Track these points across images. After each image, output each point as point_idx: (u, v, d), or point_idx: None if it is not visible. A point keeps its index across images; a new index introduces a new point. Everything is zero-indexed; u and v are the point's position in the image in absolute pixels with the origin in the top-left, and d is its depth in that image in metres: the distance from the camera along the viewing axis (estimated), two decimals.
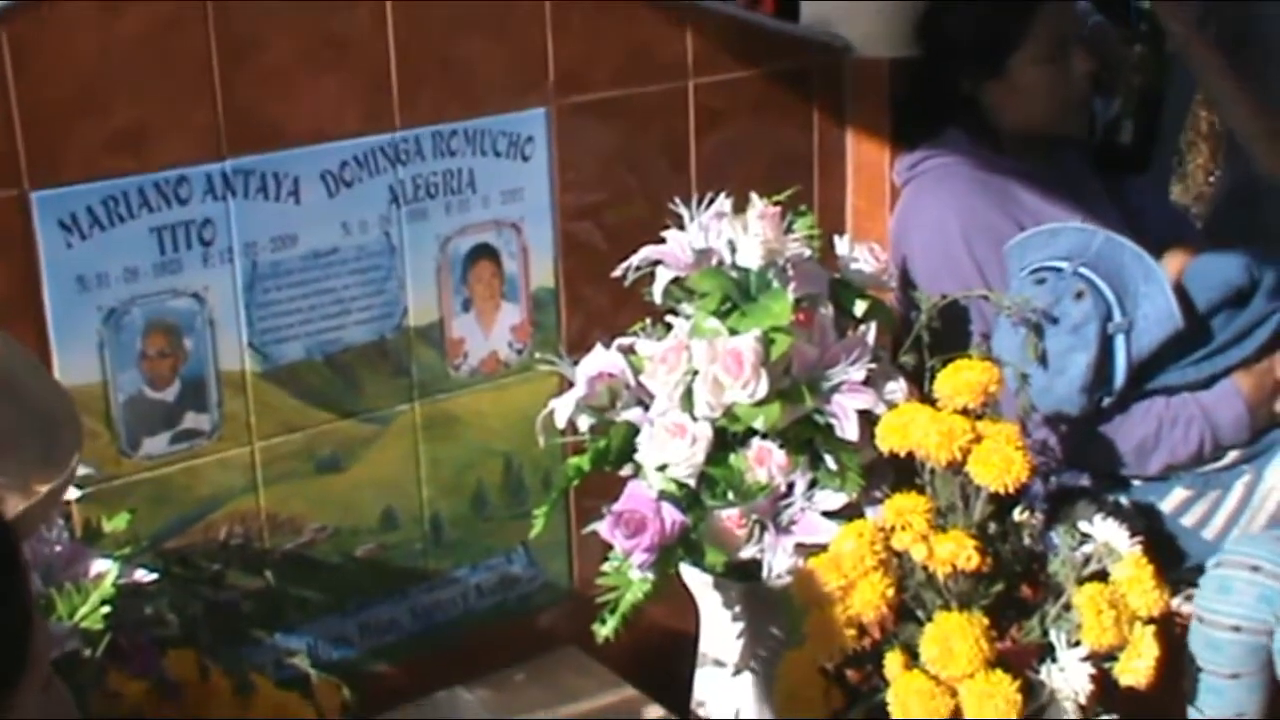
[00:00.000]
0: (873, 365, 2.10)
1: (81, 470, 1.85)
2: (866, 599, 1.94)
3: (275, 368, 2.11)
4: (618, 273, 2.15)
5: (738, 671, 2.21)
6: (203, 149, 2.00)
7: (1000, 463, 1.97)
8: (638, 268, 2.14)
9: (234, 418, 2.09)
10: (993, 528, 2.03)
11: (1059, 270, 2.31)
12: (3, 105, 1.87)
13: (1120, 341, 2.30)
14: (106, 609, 1.68)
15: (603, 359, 2.13)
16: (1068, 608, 1.98)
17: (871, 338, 2.13)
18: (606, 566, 2.10)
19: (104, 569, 1.74)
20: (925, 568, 1.96)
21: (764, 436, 2.05)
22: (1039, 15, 2.46)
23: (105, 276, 1.97)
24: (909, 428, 2.01)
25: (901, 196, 2.55)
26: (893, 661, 1.94)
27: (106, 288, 1.97)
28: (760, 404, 2.01)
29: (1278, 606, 2.15)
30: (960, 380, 2.05)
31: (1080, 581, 2.00)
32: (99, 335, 1.98)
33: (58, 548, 1.78)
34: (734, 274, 2.09)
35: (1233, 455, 2.40)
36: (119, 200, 1.96)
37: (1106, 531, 2.03)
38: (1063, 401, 2.30)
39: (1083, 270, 2.30)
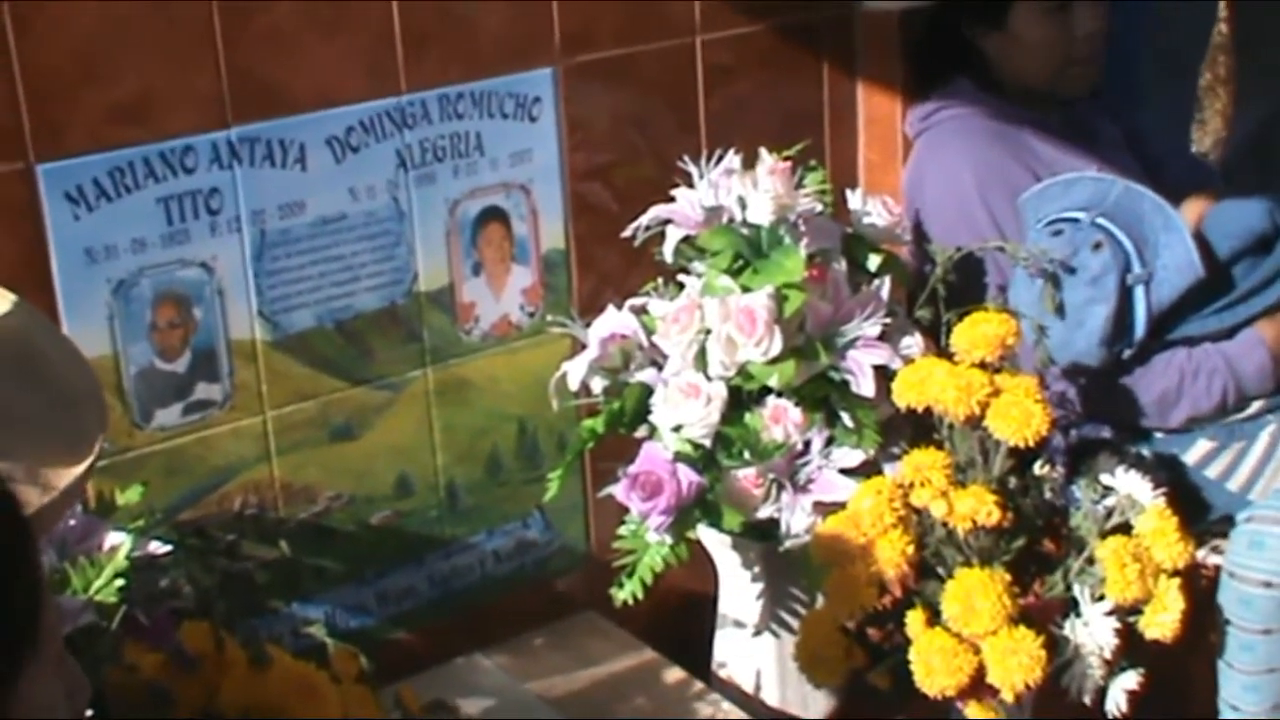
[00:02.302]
0: (888, 320, 2.09)
1: None
2: (886, 557, 1.93)
3: (286, 336, 2.10)
4: (627, 233, 2.13)
5: (758, 632, 2.20)
6: (208, 117, 1.99)
7: (1019, 416, 1.95)
8: (648, 227, 2.13)
9: (246, 387, 2.08)
10: (1013, 482, 2.01)
11: (1076, 221, 2.29)
12: (6, 78, 1.85)
13: (1140, 292, 2.27)
14: (121, 582, 1.67)
15: (615, 320, 2.12)
16: (1091, 562, 1.97)
17: (886, 292, 2.11)
18: (623, 530, 2.09)
19: (118, 542, 1.73)
20: (945, 524, 1.95)
21: (779, 395, 2.04)
22: None
23: (113, 248, 1.95)
24: (926, 382, 1.99)
25: (915, 149, 2.53)
26: (914, 620, 1.93)
27: (115, 259, 1.96)
28: (774, 362, 2.00)
29: None
30: (977, 333, 2.03)
31: (1103, 535, 1.98)
32: (108, 307, 1.97)
33: (71, 522, 1.77)
34: (745, 231, 2.07)
35: (1257, 405, 2.37)
36: (125, 171, 1.95)
37: (1129, 484, 2.01)
38: (1082, 354, 2.27)
39: (1100, 221, 2.27)
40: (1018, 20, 2.45)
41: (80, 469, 1.02)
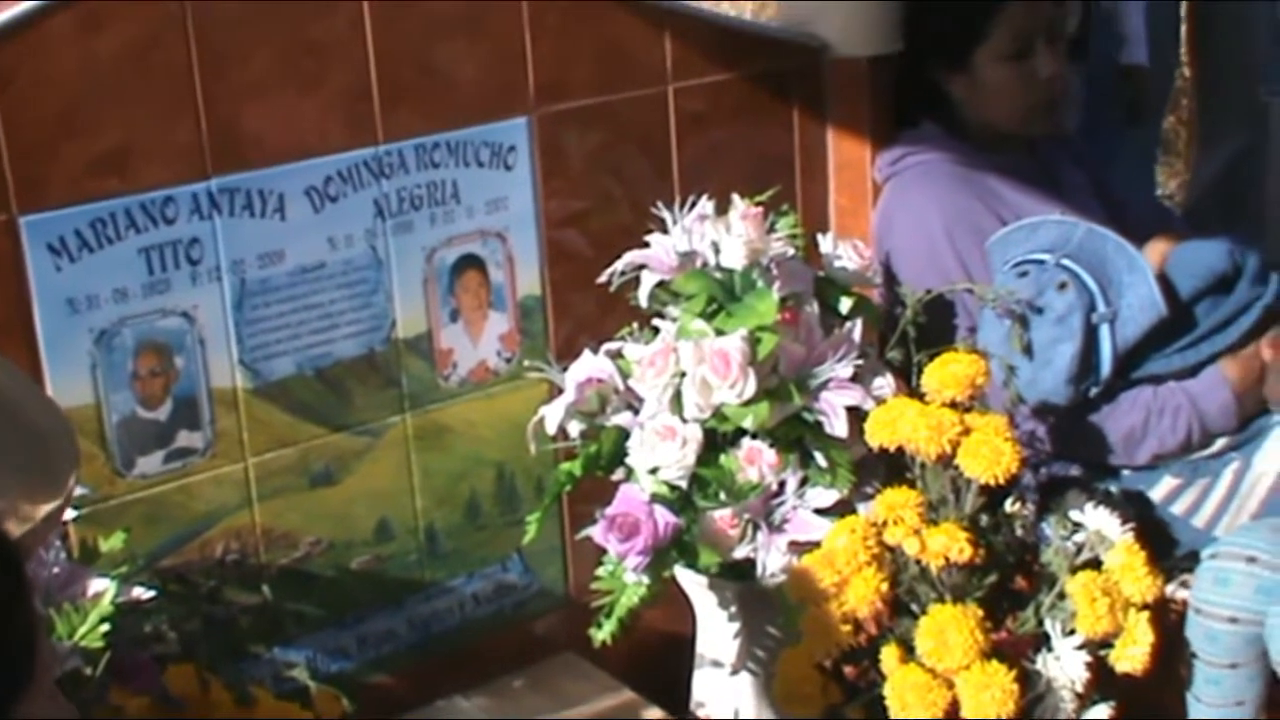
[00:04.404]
0: (860, 361, 2.11)
1: (77, 491, 1.86)
2: (861, 594, 1.95)
3: (266, 384, 2.12)
4: (603, 279, 2.16)
5: (735, 671, 2.21)
6: (187, 168, 2.01)
7: (990, 454, 1.98)
8: (623, 273, 2.15)
9: (227, 435, 2.10)
10: (984, 520, 2.04)
11: (1041, 263, 2.32)
12: None
13: (1105, 331, 2.31)
14: (105, 627, 1.69)
15: (591, 364, 2.14)
16: (1062, 597, 1.99)
17: (858, 334, 2.14)
18: (601, 571, 2.11)
19: (102, 588, 1.75)
20: (918, 561, 1.97)
21: (754, 436, 2.06)
22: (1005, 11, 2.46)
23: (95, 298, 1.98)
24: (898, 422, 2.02)
25: (883, 193, 2.56)
26: (889, 656, 1.95)
27: (97, 309, 1.98)
28: (749, 404, 2.02)
29: (1275, 597, 2.15)
30: (947, 373, 2.06)
31: (1073, 570, 2.01)
32: (91, 357, 1.98)
33: (55, 569, 1.78)
34: (718, 275, 2.10)
35: (1221, 443, 2.40)
36: (106, 222, 1.97)
37: (1098, 520, 2.04)
38: (1049, 393, 2.30)
39: (1065, 262, 2.31)
40: (981, 64, 2.49)
41: (56, 501, 1.06)
